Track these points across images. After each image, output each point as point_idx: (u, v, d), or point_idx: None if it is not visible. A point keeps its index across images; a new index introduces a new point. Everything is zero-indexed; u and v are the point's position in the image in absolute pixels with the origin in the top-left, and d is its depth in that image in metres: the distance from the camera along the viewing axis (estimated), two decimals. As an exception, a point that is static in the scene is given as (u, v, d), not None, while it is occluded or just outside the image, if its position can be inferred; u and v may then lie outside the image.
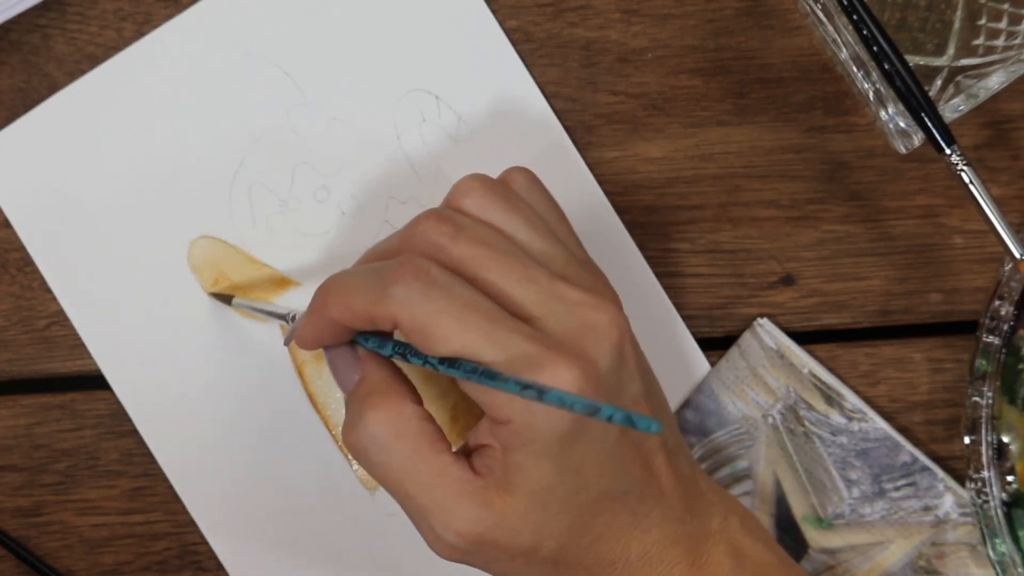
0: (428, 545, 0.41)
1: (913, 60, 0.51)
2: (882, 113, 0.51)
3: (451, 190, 0.43)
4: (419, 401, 0.42)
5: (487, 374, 0.38)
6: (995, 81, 0.51)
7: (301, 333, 0.44)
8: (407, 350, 0.41)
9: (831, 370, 0.54)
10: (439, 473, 0.40)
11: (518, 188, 0.44)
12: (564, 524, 0.41)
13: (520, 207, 0.43)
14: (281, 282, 0.52)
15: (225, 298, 0.51)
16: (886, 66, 0.48)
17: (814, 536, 0.53)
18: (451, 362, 0.39)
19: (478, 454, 0.41)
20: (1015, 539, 0.52)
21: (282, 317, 0.48)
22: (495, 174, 0.44)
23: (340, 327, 0.42)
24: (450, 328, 0.39)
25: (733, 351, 0.53)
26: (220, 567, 0.52)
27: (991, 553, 0.52)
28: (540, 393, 0.35)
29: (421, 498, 0.40)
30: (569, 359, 0.39)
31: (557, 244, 0.43)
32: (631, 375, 0.42)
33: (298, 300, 0.52)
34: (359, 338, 0.43)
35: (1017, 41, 0.51)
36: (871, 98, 0.51)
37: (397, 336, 0.42)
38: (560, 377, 0.38)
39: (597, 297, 0.41)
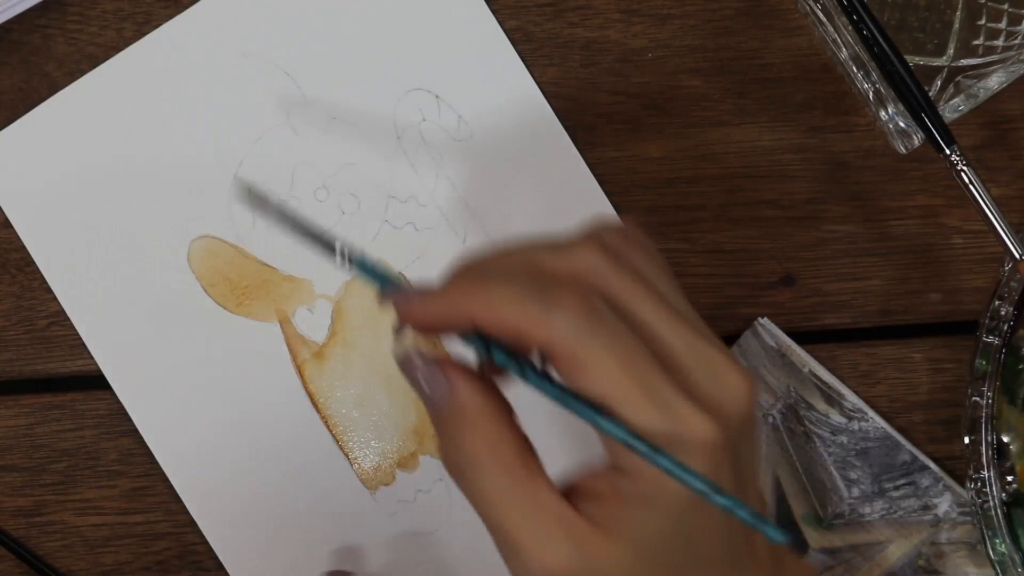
0: (511, 573, 0.39)
1: (913, 60, 0.51)
2: (882, 113, 0.51)
3: (588, 230, 0.40)
4: (517, 423, 0.39)
5: (633, 434, 0.36)
6: (995, 81, 0.51)
7: (420, 312, 0.38)
8: (530, 369, 0.37)
9: (831, 370, 0.54)
10: (537, 505, 0.38)
11: (642, 241, 0.41)
12: None
13: (658, 257, 0.41)
14: (281, 281, 0.52)
15: (259, 200, 0.38)
16: (886, 66, 0.48)
17: (814, 536, 0.53)
18: (594, 408, 0.36)
19: (586, 498, 0.39)
20: (1015, 539, 0.52)
21: (327, 245, 0.37)
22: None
23: (466, 325, 0.37)
24: (609, 369, 0.36)
25: (734, 350, 0.53)
26: (220, 567, 0.52)
27: (990, 553, 0.52)
28: (685, 475, 0.35)
29: (514, 528, 0.38)
30: (709, 424, 0.37)
31: (687, 302, 0.40)
32: (754, 445, 0.40)
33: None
34: (473, 340, 0.38)
35: (1017, 41, 0.51)
36: (871, 98, 0.51)
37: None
38: (697, 441, 0.37)
39: (734, 362, 0.39)
